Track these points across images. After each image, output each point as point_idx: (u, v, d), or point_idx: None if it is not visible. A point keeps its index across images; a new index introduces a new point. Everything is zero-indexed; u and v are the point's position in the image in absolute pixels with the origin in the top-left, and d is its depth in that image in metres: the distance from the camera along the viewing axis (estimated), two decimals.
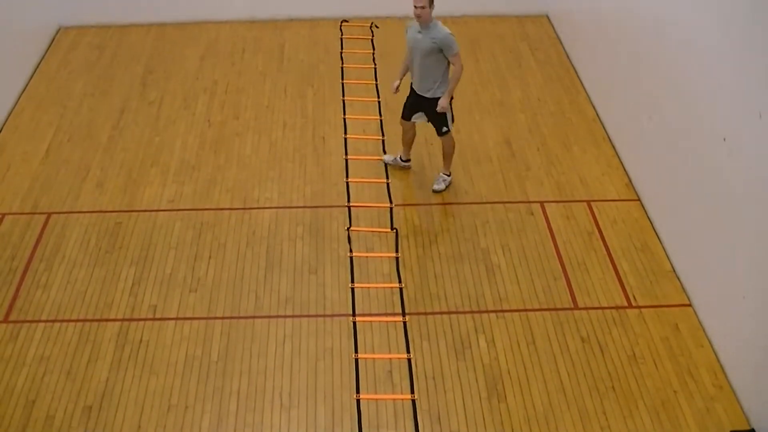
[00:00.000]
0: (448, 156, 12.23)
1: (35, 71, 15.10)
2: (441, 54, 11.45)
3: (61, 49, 15.79)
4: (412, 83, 11.92)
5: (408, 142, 12.48)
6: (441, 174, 12.30)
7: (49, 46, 15.87)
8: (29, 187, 12.33)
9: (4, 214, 11.85)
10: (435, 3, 11.35)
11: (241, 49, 15.79)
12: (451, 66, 11.56)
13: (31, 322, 10.29)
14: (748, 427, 9.07)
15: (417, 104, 11.94)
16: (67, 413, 9.25)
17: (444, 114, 11.79)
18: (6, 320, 10.29)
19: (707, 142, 9.91)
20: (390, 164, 12.67)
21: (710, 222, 9.94)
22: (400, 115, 12.27)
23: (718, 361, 9.78)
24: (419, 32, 11.43)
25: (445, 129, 11.93)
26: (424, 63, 11.53)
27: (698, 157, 10.20)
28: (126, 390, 9.48)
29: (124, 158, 12.89)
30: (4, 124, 13.71)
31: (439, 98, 11.64)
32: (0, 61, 13.86)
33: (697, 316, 10.30)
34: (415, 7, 11.20)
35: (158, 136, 13.38)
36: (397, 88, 12.08)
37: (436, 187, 12.20)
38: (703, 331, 10.13)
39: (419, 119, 12.09)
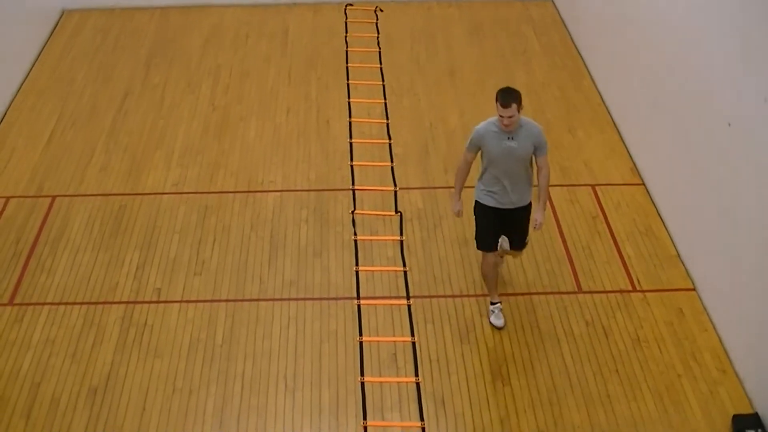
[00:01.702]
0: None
1: (39, 54, 15.11)
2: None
3: (65, 32, 15.79)
4: (486, 203, 9.66)
5: (494, 279, 10.04)
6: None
7: (53, 29, 15.88)
8: (33, 170, 12.35)
9: (8, 198, 11.86)
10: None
11: (245, 33, 15.77)
12: (541, 166, 9.55)
13: (36, 305, 10.30)
14: (751, 411, 9.07)
15: (501, 223, 9.71)
16: (72, 395, 9.26)
17: (527, 225, 9.89)
18: (11, 303, 10.31)
19: (712, 126, 9.90)
20: (497, 324, 10.03)
21: (715, 207, 9.93)
22: (478, 246, 9.90)
23: (722, 345, 9.78)
24: (509, 139, 9.26)
25: (527, 240, 10.16)
26: (517, 171, 9.44)
27: (703, 141, 10.19)
28: (131, 373, 9.49)
29: (128, 142, 12.89)
30: (8, 108, 13.72)
31: (527, 205, 9.72)
32: (4, 44, 13.86)
33: (701, 301, 10.30)
34: (503, 117, 9.14)
35: (162, 120, 13.38)
36: (461, 210, 9.86)
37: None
38: (707, 315, 10.13)
39: (504, 245, 9.83)
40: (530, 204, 9.72)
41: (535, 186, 9.62)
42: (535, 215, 9.63)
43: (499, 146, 9.29)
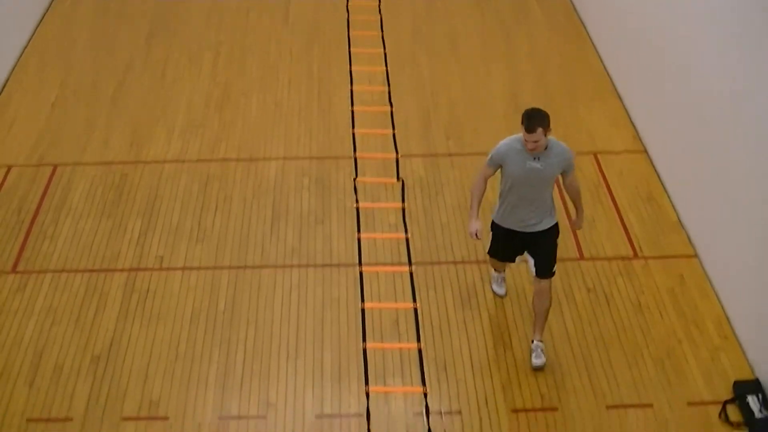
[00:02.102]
0: (544, 312, 9.21)
1: (39, 24, 15.05)
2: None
3: (66, 3, 15.72)
4: (502, 223, 9.05)
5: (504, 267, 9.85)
6: (536, 342, 9.28)
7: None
8: (35, 140, 12.33)
9: (10, 167, 11.86)
10: None
11: (245, 7, 15.68)
12: (570, 183, 8.95)
13: (38, 272, 10.32)
14: (752, 377, 9.09)
15: (521, 245, 9.11)
16: (75, 363, 9.30)
17: (556, 249, 9.14)
18: (14, 271, 10.33)
19: (715, 93, 9.88)
20: (499, 292, 10.01)
21: (717, 174, 9.92)
22: (490, 253, 9.50)
23: (724, 311, 9.79)
24: (535, 159, 8.52)
25: (554, 268, 9.14)
26: (539, 194, 8.76)
27: (705, 108, 10.17)
28: (133, 340, 9.52)
29: (129, 115, 12.86)
30: (9, 77, 13.69)
31: (552, 227, 9.00)
32: (5, 13, 13.83)
33: (702, 267, 10.31)
34: (528, 141, 8.43)
35: (164, 94, 13.34)
36: (479, 230, 8.93)
37: (539, 362, 9.20)
38: (709, 282, 10.14)
39: (522, 260, 9.35)
40: (552, 228, 8.97)
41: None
42: (577, 221, 9.29)
43: (523, 167, 8.55)
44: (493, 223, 9.14)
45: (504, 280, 9.95)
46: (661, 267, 10.34)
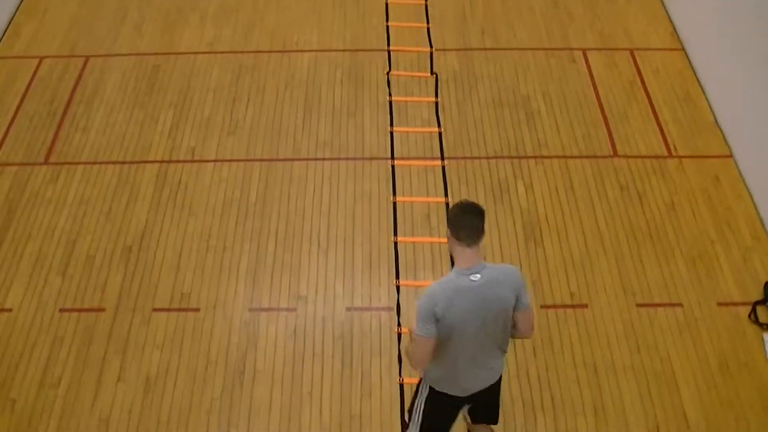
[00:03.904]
0: None
1: None
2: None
3: None
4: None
5: None
6: None
7: None
8: (67, 30, 12.25)
9: (42, 58, 11.81)
10: None
11: None
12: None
13: (70, 164, 10.33)
14: None
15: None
16: (107, 253, 9.36)
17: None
18: (46, 162, 10.35)
19: None
20: None
21: (755, 73, 9.76)
22: None
23: (757, 212, 9.72)
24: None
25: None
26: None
27: (746, 5, 9.97)
28: (165, 231, 9.56)
29: (161, 1, 12.74)
30: None
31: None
32: None
33: (737, 168, 10.20)
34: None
35: None
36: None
37: None
38: (744, 182, 10.04)
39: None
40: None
41: None
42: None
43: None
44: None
45: None
46: (696, 167, 10.24)
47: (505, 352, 6.43)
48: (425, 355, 6.07)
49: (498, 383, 6.61)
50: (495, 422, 7.02)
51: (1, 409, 8.06)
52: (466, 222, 5.91)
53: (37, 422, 7.98)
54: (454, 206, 6.04)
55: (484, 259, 6.08)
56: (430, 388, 6.48)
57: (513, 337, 6.30)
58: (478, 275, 5.90)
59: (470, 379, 6.37)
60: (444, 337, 6.03)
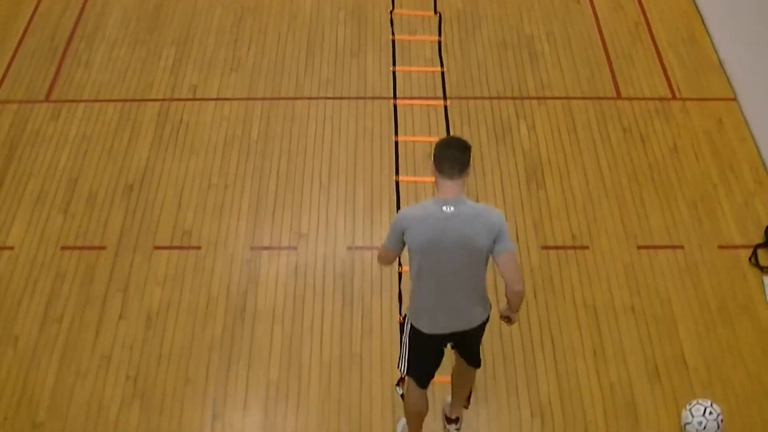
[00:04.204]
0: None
1: None
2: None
3: None
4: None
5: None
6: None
7: None
8: None
9: None
10: None
11: None
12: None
13: (72, 101, 10.30)
14: None
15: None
16: (109, 191, 9.35)
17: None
18: (48, 99, 10.32)
19: None
20: None
21: (761, 15, 9.70)
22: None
23: (760, 156, 9.70)
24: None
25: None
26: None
27: None
28: (167, 169, 9.55)
29: None
30: None
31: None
32: None
33: (741, 111, 10.16)
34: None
35: None
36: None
37: None
38: (747, 126, 10.01)
39: None
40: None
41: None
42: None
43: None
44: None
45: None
46: (700, 109, 10.20)
47: (484, 300, 6.45)
48: (386, 261, 6.51)
49: (477, 331, 6.60)
50: (477, 366, 7.03)
51: (4, 345, 8.10)
52: (448, 154, 5.98)
53: (39, 357, 8.02)
54: (439, 140, 6.15)
55: (467, 196, 6.07)
56: (411, 323, 6.57)
57: (506, 296, 6.30)
58: (452, 208, 5.96)
59: (443, 318, 6.40)
60: (415, 265, 6.20)
